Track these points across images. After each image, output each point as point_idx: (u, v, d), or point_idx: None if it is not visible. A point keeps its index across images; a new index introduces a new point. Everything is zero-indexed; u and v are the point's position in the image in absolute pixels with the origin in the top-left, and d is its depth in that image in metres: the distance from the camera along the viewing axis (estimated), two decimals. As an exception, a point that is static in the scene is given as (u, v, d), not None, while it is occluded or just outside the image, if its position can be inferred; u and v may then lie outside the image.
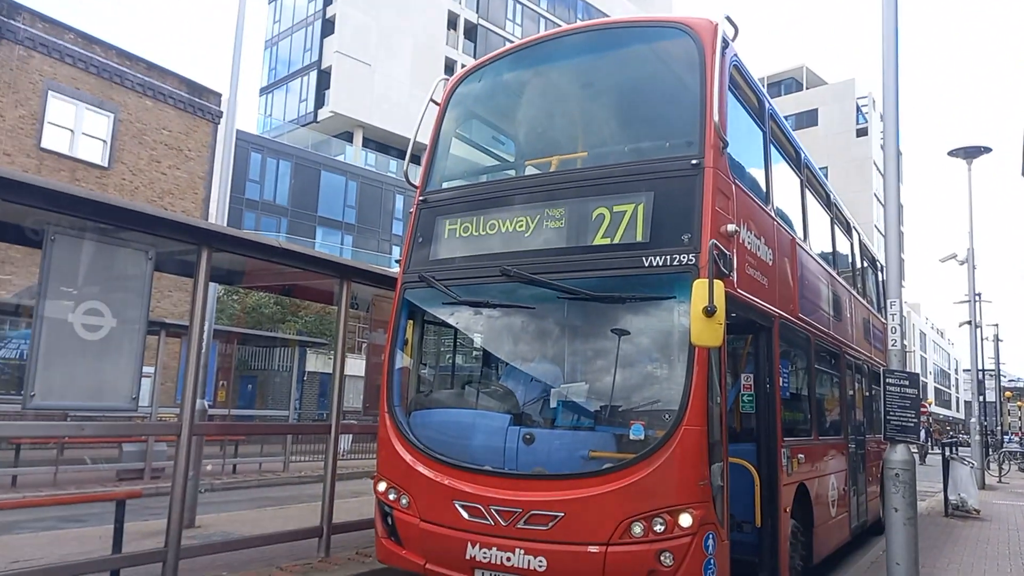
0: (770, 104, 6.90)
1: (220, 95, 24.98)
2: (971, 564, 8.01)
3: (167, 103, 23.06)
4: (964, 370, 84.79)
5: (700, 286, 4.56)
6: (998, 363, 36.69)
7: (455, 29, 48.30)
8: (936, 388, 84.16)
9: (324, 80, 44.62)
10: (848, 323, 9.35)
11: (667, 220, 5.18)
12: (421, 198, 6.41)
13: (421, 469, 5.62)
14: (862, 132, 68.94)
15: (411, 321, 6.29)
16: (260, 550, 6.88)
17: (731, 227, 5.13)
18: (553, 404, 5.52)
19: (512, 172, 7.01)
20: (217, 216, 10.12)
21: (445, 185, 6.62)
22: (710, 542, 4.68)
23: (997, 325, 35.36)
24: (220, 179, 9.56)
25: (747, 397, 6.27)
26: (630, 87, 6.27)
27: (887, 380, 4.77)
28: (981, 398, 21.85)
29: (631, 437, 4.95)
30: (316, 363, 30.13)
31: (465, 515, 5.28)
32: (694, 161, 5.18)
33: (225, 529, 8.27)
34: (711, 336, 4.53)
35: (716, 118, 5.17)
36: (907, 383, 4.73)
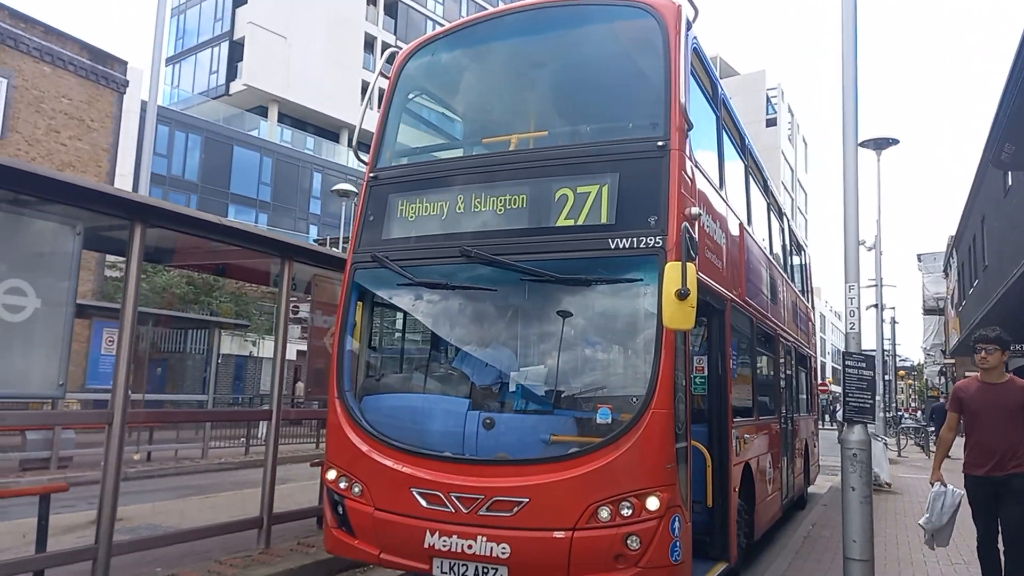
0: (722, 89, 6.96)
1: (126, 63, 23.52)
2: (894, 535, 8.42)
3: (67, 70, 21.53)
4: (847, 352, 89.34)
5: (673, 268, 4.53)
6: (895, 345, 38.94)
7: (375, 5, 47.11)
8: (833, 368, 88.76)
9: (237, 52, 42.75)
10: (782, 307, 9.63)
11: (633, 202, 5.13)
12: (372, 175, 6.14)
13: (375, 456, 5.42)
14: (771, 122, 71.50)
15: (362, 303, 6.04)
16: (193, 544, 6.52)
17: (695, 210, 5.13)
18: (514, 388, 5.41)
19: (467, 150, 6.81)
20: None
21: (397, 162, 6.37)
22: (676, 524, 4.70)
23: (894, 308, 37.50)
24: (137, 152, 8.92)
25: (699, 379, 6.33)
26: (591, 66, 6.17)
27: (846, 363, 4.89)
28: (887, 377, 23.06)
29: (598, 421, 4.90)
30: (231, 346, 29.07)
31: (423, 503, 5.12)
32: (660, 143, 5.14)
33: (151, 521, 7.82)
34: (683, 319, 4.51)
35: (682, 100, 5.14)
36: (864, 365, 4.86)
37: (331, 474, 5.70)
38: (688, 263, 4.55)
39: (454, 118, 7.23)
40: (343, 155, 43.32)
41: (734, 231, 6.87)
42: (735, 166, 7.50)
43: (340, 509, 5.59)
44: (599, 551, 4.64)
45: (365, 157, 6.20)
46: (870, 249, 22.73)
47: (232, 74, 42.74)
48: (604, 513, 4.66)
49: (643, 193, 5.12)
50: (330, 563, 6.53)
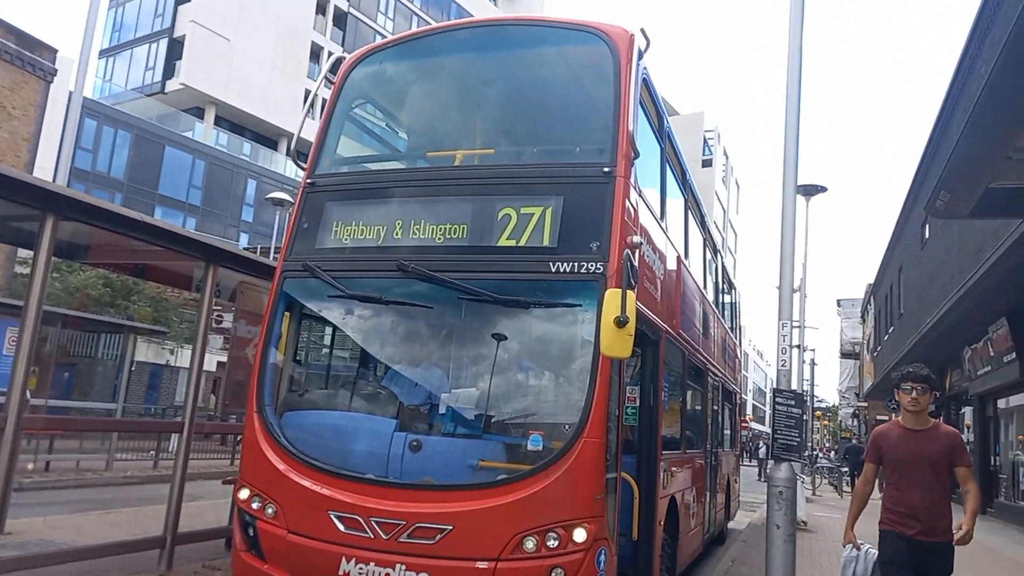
0: (667, 122, 7.02)
1: (56, 51, 22.48)
2: (810, 572, 8.51)
3: (-10, 53, 20.42)
4: (776, 391, 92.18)
5: (613, 296, 4.46)
6: (813, 385, 40.24)
7: (324, 15, 46.62)
8: (754, 405, 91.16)
9: (175, 50, 41.49)
10: (712, 342, 9.74)
11: (575, 226, 5.07)
12: (309, 181, 5.92)
13: (292, 476, 5.13)
14: (707, 163, 73.65)
15: (289, 314, 5.78)
16: (90, 563, 6.06)
17: (637, 238, 5.09)
18: (444, 410, 5.24)
19: (410, 163, 6.65)
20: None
21: (337, 170, 6.16)
22: (602, 557, 4.58)
23: (814, 350, 38.82)
24: (61, 144, 8.41)
25: (631, 409, 6.28)
26: (541, 87, 6.13)
27: (776, 399, 4.91)
28: (805, 417, 23.64)
29: (528, 448, 4.76)
30: (147, 353, 27.82)
31: (341, 527, 4.86)
32: (606, 169, 5.10)
33: (43, 537, 7.24)
34: (621, 347, 4.44)
35: (630, 128, 5.13)
36: (793, 403, 4.88)
37: (243, 493, 5.37)
38: (628, 291, 4.49)
39: (398, 130, 7.08)
40: (281, 163, 42.45)
41: (671, 264, 6.90)
42: (676, 199, 7.56)
43: (251, 531, 5.27)
44: None
45: (304, 163, 5.98)
46: (795, 291, 23.45)
47: (169, 72, 41.42)
48: (530, 544, 4.50)
49: (586, 218, 5.06)
50: (236, 588, 6.16)
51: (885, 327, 29.51)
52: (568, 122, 5.99)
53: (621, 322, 4.38)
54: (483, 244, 5.27)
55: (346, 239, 5.66)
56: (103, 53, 44.49)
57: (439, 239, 5.37)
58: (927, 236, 20.25)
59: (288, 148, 42.00)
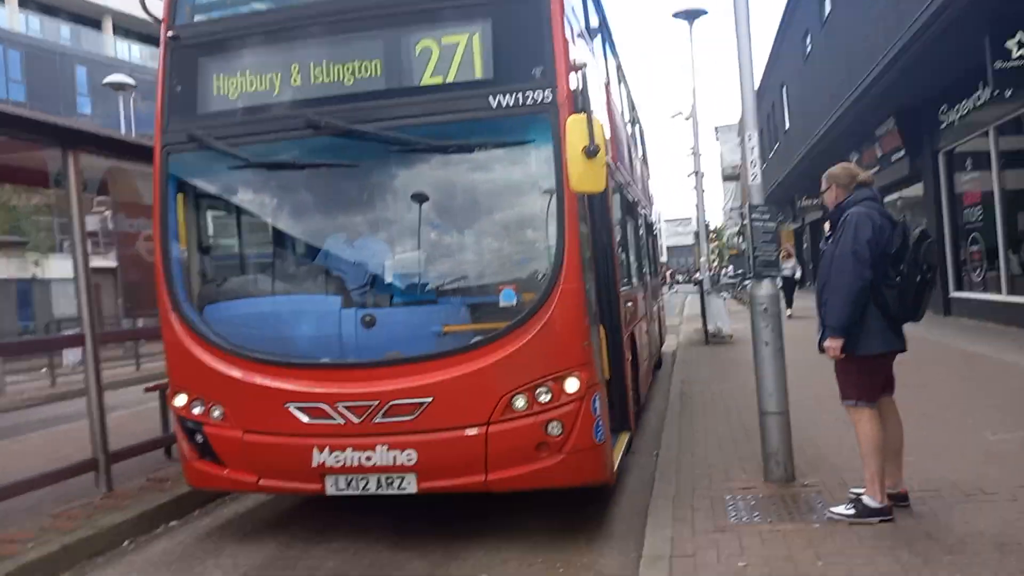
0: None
1: None
2: (742, 376, 8.70)
3: None
4: (666, 220, 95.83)
5: (577, 123, 3.95)
6: (702, 210, 41.73)
7: None
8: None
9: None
10: (634, 171, 9.45)
11: (512, 52, 4.43)
12: (171, 35, 4.90)
13: (234, 373, 4.58)
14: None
15: (183, 195, 4.96)
16: (15, 500, 5.35)
17: (581, 59, 4.51)
18: (392, 279, 4.76)
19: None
20: None
21: (204, 16, 5.14)
22: (597, 403, 4.34)
23: (703, 175, 39.74)
24: None
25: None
26: None
27: (752, 216, 4.65)
28: (714, 240, 24.37)
29: (501, 304, 4.37)
30: (8, 268, 25.34)
31: (305, 418, 4.43)
32: None
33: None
34: (594, 180, 4.00)
35: None
36: (768, 217, 4.65)
37: (180, 399, 4.81)
38: (593, 116, 3.97)
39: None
40: (109, 44, 37.81)
41: (601, 89, 6.36)
42: (594, 19, 6.90)
43: (198, 438, 4.78)
44: (518, 443, 4.22)
45: (158, 13, 4.92)
46: (687, 119, 23.53)
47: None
48: (520, 402, 4.21)
49: (524, 41, 4.43)
50: (191, 497, 5.68)
51: (770, 144, 30.40)
52: None
53: (591, 151, 3.90)
54: (404, 85, 4.56)
55: (234, 97, 4.78)
56: None
57: (349, 83, 4.60)
58: (809, 49, 20.43)
59: (115, 27, 37.34)
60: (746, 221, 4.95)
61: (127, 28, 37.78)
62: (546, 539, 4.57)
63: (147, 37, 38.19)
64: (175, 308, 4.75)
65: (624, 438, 5.48)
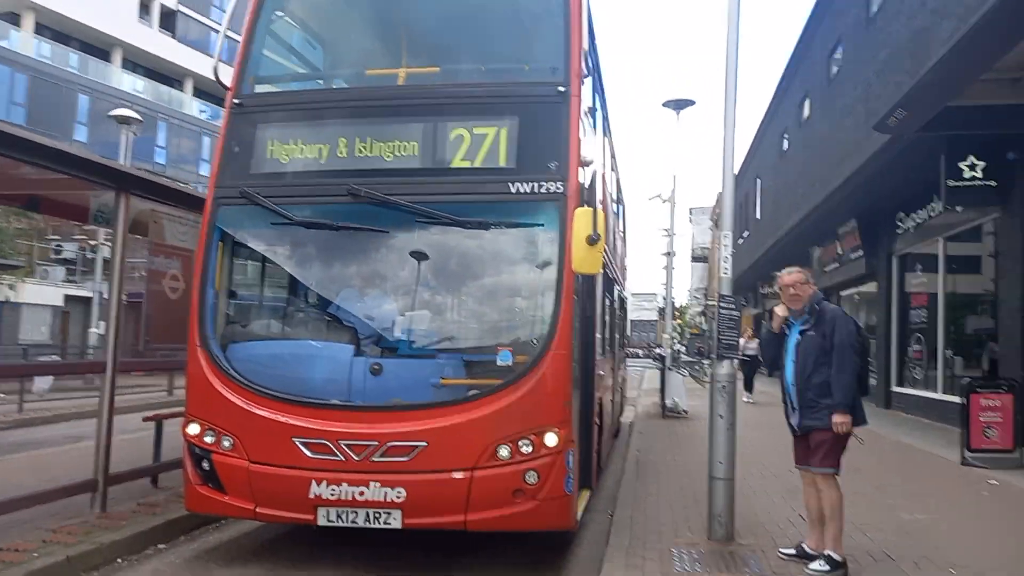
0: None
1: None
2: (695, 450, 9.32)
3: None
4: (632, 294, 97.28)
5: (583, 215, 4.64)
6: (669, 288, 42.90)
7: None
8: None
9: (-21, -54, 35.89)
10: (616, 251, 10.21)
11: (532, 146, 5.14)
12: (236, 101, 5.56)
13: (250, 407, 5.07)
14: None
15: (223, 244, 5.53)
16: (10, 516, 5.68)
17: (589, 156, 5.25)
18: (402, 334, 5.31)
19: (347, 81, 6.36)
20: None
21: (264, 88, 5.82)
22: (570, 458, 4.91)
23: (675, 255, 41.05)
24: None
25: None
26: (487, 3, 6.00)
27: (720, 304, 5.33)
28: (677, 318, 25.09)
29: (499, 363, 4.95)
30: (-6, 292, 25.30)
31: (308, 453, 4.91)
32: (560, 88, 5.17)
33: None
34: (592, 263, 4.66)
35: (584, 46, 5.20)
36: (733, 307, 5.33)
37: (193, 428, 5.26)
38: (597, 209, 4.69)
39: (330, 45, 6.70)
40: (115, 76, 38.49)
41: (600, 179, 7.12)
42: (598, 115, 7.72)
43: (205, 465, 5.21)
44: (498, 488, 4.74)
45: (226, 81, 5.60)
46: (664, 202, 24.62)
47: (-26, -28, 35.93)
48: (504, 451, 4.76)
49: (543, 138, 5.15)
50: (180, 522, 6.07)
51: (739, 231, 31.73)
52: (518, 39, 5.96)
53: (592, 240, 4.59)
54: (437, 166, 5.25)
55: (285, 163, 5.43)
56: None
57: (389, 162, 5.27)
58: (786, 147, 21.76)
59: (124, 60, 38.16)
60: (714, 307, 5.60)
61: (135, 63, 38.59)
62: (514, 578, 5.08)
63: (153, 73, 39.20)
64: (202, 344, 5.25)
65: (586, 495, 6.01)
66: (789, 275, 5.03)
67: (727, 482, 5.30)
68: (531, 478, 4.75)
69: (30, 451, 9.57)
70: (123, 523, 5.81)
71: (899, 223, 14.85)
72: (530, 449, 4.76)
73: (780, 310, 5.06)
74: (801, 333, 4.96)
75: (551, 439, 4.77)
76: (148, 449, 7.30)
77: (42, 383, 16.51)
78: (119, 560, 5.40)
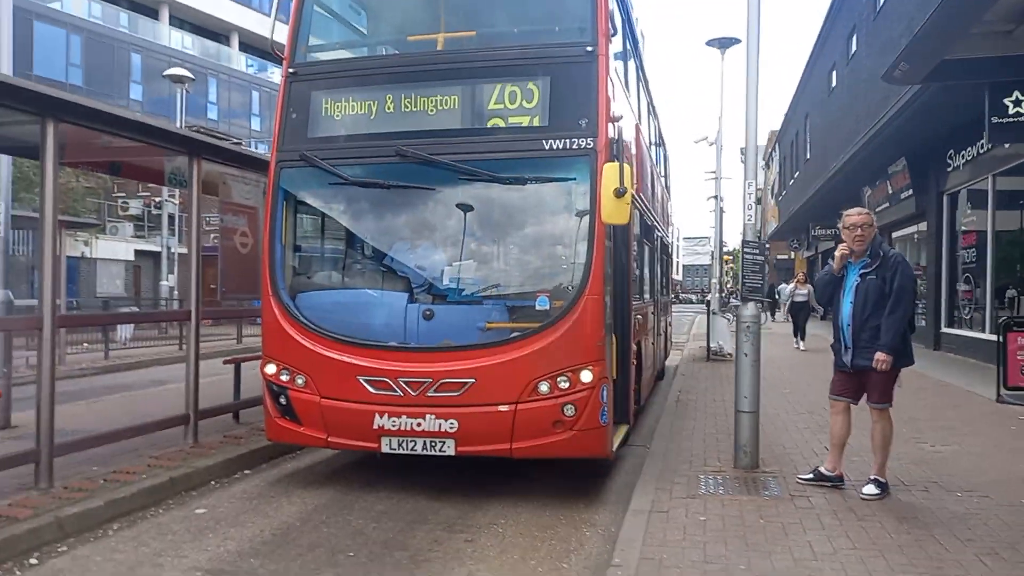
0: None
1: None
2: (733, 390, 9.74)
3: None
4: (684, 238, 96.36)
5: (611, 169, 5.06)
6: (720, 232, 42.59)
7: None
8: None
9: (31, -92, 36.72)
10: (656, 200, 10.53)
11: (564, 104, 5.54)
12: (291, 70, 6.09)
13: (320, 349, 5.71)
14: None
15: (287, 203, 6.12)
16: (115, 445, 6.52)
17: (618, 112, 5.62)
18: (453, 282, 5.84)
19: (390, 47, 6.83)
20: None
21: (316, 57, 6.32)
22: (604, 393, 5.44)
23: (723, 199, 40.70)
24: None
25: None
26: None
27: (744, 249, 5.71)
28: (731, 262, 25.14)
29: (537, 307, 5.47)
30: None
31: (371, 389, 5.53)
32: (589, 48, 5.53)
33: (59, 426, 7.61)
34: (620, 214, 5.10)
35: (610, 6, 5.54)
36: (758, 252, 5.70)
37: (270, 368, 5.93)
38: (624, 164, 5.09)
39: (373, 11, 7.14)
40: (164, 34, 39.38)
41: (632, 131, 7.47)
42: (631, 65, 8.01)
43: (283, 400, 5.88)
44: (539, 419, 5.31)
45: (281, 52, 6.11)
46: (711, 144, 24.51)
47: (26, -66, 36.84)
48: (544, 387, 5.31)
49: (574, 96, 5.54)
50: (262, 452, 6.86)
51: (790, 172, 31.24)
52: (545, 1, 6.28)
53: (620, 192, 5.01)
54: (476, 126, 5.70)
55: (338, 127, 5.96)
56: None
57: (431, 123, 5.76)
58: (834, 84, 21.29)
59: (171, 18, 38.96)
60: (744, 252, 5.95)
61: (181, 19, 39.36)
62: (554, 501, 5.67)
63: (200, 29, 39.97)
64: (274, 294, 5.90)
65: (623, 429, 6.55)
66: (859, 215, 5.14)
67: (751, 415, 5.77)
68: (569, 411, 5.30)
69: (121, 393, 10.64)
70: (213, 451, 6.62)
71: (949, 160, 14.65)
72: (567, 385, 5.30)
73: (843, 250, 5.15)
74: (861, 276, 5.08)
75: (586, 376, 5.30)
76: (228, 390, 8.12)
77: (125, 331, 17.82)
78: (213, 483, 6.19)
